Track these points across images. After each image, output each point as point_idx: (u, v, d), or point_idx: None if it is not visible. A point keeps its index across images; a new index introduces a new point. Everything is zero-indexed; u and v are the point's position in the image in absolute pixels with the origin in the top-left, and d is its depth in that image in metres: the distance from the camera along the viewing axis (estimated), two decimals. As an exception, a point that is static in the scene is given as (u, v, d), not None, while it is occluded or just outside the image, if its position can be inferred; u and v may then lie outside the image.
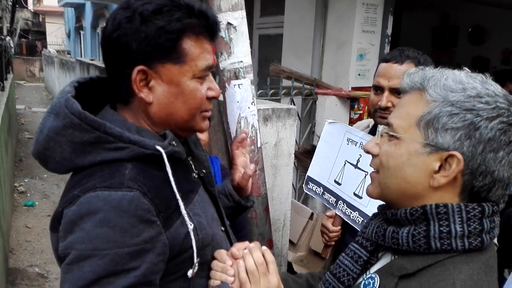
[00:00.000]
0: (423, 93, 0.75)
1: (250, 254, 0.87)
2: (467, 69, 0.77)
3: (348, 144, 1.64)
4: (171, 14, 0.81)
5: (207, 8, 0.87)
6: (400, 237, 0.75)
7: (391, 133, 0.78)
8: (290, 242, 2.52)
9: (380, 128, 0.82)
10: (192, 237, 0.85)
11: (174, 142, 0.87)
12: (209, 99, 0.91)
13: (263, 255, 0.88)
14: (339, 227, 1.68)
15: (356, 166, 1.60)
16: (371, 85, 1.60)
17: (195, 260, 0.86)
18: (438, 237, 0.71)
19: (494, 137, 0.69)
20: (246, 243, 0.93)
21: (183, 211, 0.85)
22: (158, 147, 0.82)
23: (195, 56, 0.85)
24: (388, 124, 0.80)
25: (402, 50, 1.51)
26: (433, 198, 0.74)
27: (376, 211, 0.88)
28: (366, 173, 1.54)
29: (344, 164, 1.64)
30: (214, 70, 0.94)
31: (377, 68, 1.60)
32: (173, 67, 0.84)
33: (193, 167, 0.99)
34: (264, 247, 0.92)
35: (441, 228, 0.71)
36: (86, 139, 0.80)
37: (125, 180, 0.78)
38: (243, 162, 1.25)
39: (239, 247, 0.92)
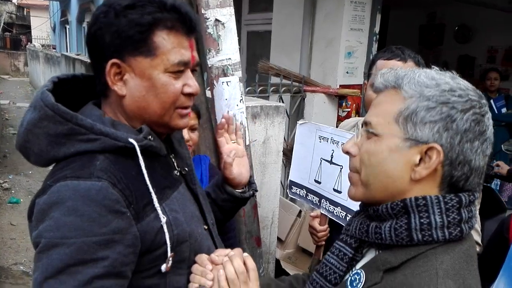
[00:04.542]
0: (398, 91, 0.77)
1: (231, 262, 0.88)
2: (436, 67, 0.81)
3: (320, 142, 1.67)
4: (144, 8, 0.84)
5: (182, 4, 0.88)
6: (383, 232, 0.76)
7: (371, 130, 0.79)
8: (278, 239, 2.52)
9: (357, 130, 0.83)
10: (166, 231, 0.86)
11: (150, 137, 0.88)
12: (186, 95, 0.91)
13: (244, 262, 0.88)
14: (326, 226, 1.69)
15: (331, 162, 1.63)
16: (359, 83, 1.60)
17: (169, 254, 0.86)
18: (419, 229, 0.74)
19: (470, 128, 0.72)
20: (228, 250, 0.93)
21: (156, 204, 0.85)
22: (131, 140, 0.83)
23: (167, 50, 0.85)
24: (365, 123, 0.82)
25: (402, 49, 1.51)
26: (415, 190, 0.76)
27: (358, 206, 0.89)
28: (341, 167, 1.58)
29: (320, 162, 1.67)
30: (197, 68, 0.93)
31: (371, 65, 1.58)
32: (144, 60, 0.85)
33: (175, 164, 0.99)
34: (245, 254, 0.92)
35: (422, 220, 0.74)
36: (60, 131, 0.82)
37: (95, 171, 0.80)
38: (227, 150, 1.20)
39: (219, 253, 0.92)
